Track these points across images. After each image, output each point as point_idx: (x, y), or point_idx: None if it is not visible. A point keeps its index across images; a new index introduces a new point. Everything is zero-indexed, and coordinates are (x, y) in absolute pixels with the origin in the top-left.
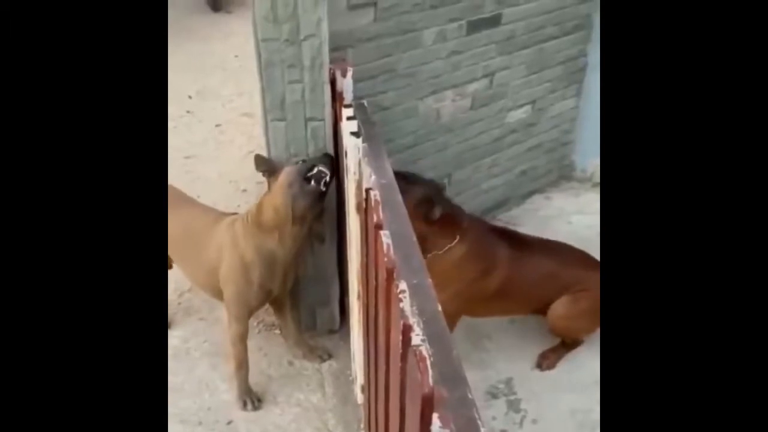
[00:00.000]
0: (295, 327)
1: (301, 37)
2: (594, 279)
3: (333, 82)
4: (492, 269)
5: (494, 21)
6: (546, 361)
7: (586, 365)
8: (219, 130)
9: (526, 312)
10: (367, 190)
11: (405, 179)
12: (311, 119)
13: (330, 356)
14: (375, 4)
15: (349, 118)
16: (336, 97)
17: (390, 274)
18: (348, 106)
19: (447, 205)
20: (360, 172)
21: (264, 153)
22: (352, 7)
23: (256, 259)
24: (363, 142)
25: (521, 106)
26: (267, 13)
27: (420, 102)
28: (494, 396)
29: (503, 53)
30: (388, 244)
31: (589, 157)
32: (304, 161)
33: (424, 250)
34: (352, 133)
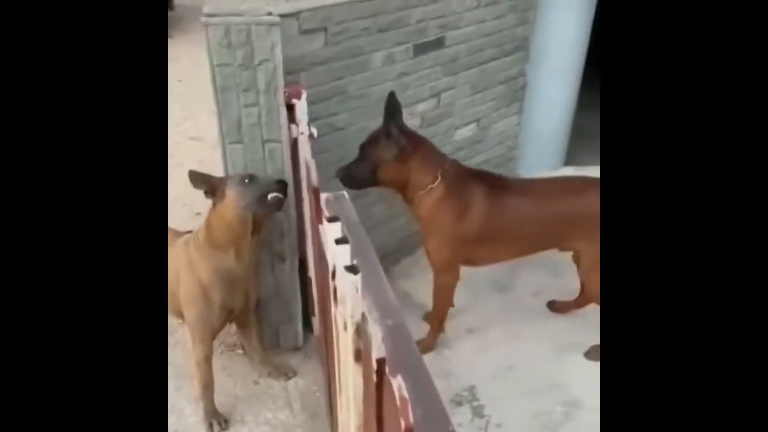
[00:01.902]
0: (260, 345)
1: (256, 62)
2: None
3: (289, 106)
4: (470, 209)
5: (438, 44)
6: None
7: (543, 370)
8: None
9: (534, 251)
10: (380, 365)
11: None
12: (268, 141)
13: (295, 373)
14: (325, 29)
15: (330, 220)
16: (310, 188)
17: None
18: (332, 220)
19: (422, 144)
20: (360, 319)
21: (219, 174)
22: (304, 32)
23: (215, 279)
24: (354, 258)
25: (467, 124)
26: (221, 39)
27: (372, 122)
28: (459, 403)
29: (449, 74)
30: None
31: (532, 172)
32: (251, 177)
33: (410, 195)
34: (339, 241)
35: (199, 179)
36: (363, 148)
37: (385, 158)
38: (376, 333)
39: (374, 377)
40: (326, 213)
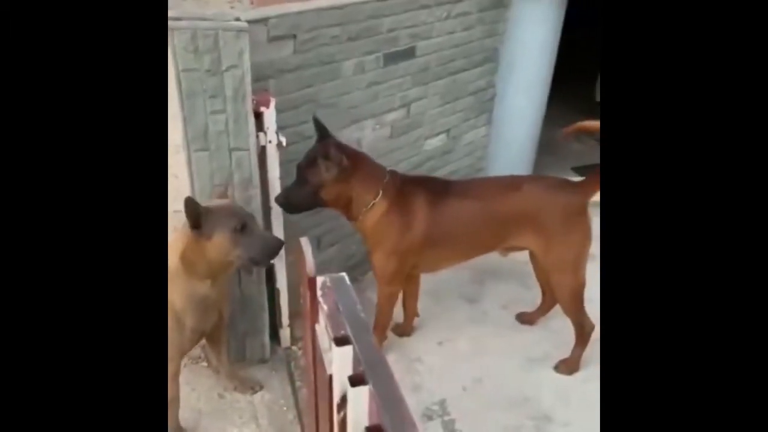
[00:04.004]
0: (227, 359)
1: (223, 68)
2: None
3: (257, 113)
4: (414, 218)
5: (409, 53)
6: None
7: (513, 383)
8: None
9: (476, 255)
10: None
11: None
12: (236, 149)
13: (261, 387)
14: (294, 36)
15: (340, 343)
16: (304, 276)
17: None
18: (342, 343)
19: (361, 161)
20: None
21: (186, 183)
22: (272, 39)
23: (188, 306)
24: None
25: (437, 134)
26: (187, 44)
27: (342, 131)
28: (429, 418)
29: (419, 84)
30: None
31: None
32: (244, 225)
33: (354, 213)
34: (355, 382)
35: (190, 210)
36: (301, 170)
37: (325, 179)
38: None
39: None
40: (324, 308)
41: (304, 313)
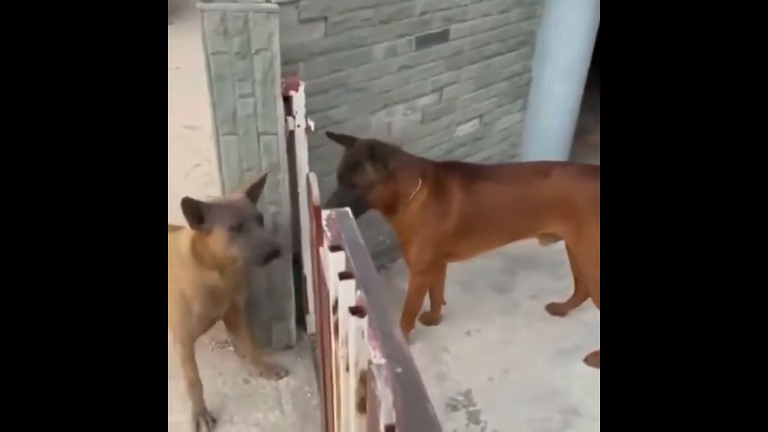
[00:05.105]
0: (251, 344)
1: (253, 51)
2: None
3: (286, 97)
4: (450, 204)
5: (442, 37)
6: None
7: (542, 376)
8: None
9: (509, 241)
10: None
11: (349, 141)
12: (264, 133)
13: (287, 373)
14: (326, 18)
15: (333, 249)
16: (310, 205)
17: None
18: (335, 249)
19: (400, 155)
20: (362, 361)
21: (214, 167)
22: (303, 21)
23: (196, 293)
24: (358, 289)
25: (470, 120)
26: (217, 26)
27: (372, 116)
28: (454, 408)
29: (451, 68)
30: None
31: None
32: (241, 225)
33: (397, 207)
34: (343, 276)
35: (187, 209)
36: (344, 177)
37: (374, 181)
38: (386, 397)
39: None
40: (328, 234)
41: (310, 236)
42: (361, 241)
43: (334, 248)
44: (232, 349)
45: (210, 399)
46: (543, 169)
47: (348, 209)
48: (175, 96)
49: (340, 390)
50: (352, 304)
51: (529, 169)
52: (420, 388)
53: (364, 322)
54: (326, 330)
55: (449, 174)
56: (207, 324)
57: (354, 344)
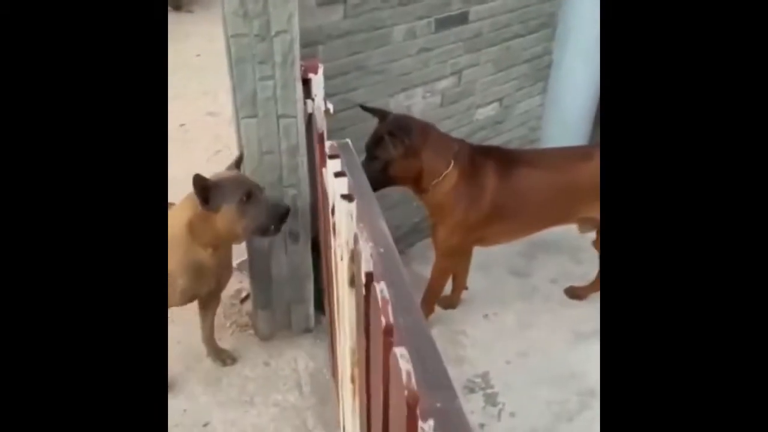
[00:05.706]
0: (211, 326)
1: (272, 33)
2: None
3: (305, 80)
4: (484, 188)
5: (461, 19)
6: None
7: (560, 359)
8: (183, 130)
9: (543, 228)
10: (369, 278)
11: (381, 115)
12: (283, 116)
13: (235, 360)
14: (345, 0)
15: (332, 157)
16: (314, 135)
17: (412, 409)
18: (333, 157)
19: (428, 133)
20: (353, 242)
21: (234, 150)
22: (322, 4)
23: (181, 270)
24: (351, 191)
25: (489, 103)
26: (237, 9)
27: (391, 99)
28: (471, 390)
29: (471, 51)
30: (408, 371)
31: None
32: (249, 193)
33: (425, 185)
34: (337, 174)
35: (198, 186)
36: (369, 148)
37: (393, 156)
38: (365, 250)
39: (363, 291)
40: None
41: (317, 162)
42: (357, 161)
43: (333, 156)
44: (251, 332)
45: (231, 381)
46: (585, 152)
47: (348, 141)
48: (196, 84)
49: (338, 276)
50: (345, 193)
51: (570, 153)
52: (395, 258)
53: (353, 206)
54: (327, 232)
55: (486, 158)
56: (188, 299)
57: (345, 225)
